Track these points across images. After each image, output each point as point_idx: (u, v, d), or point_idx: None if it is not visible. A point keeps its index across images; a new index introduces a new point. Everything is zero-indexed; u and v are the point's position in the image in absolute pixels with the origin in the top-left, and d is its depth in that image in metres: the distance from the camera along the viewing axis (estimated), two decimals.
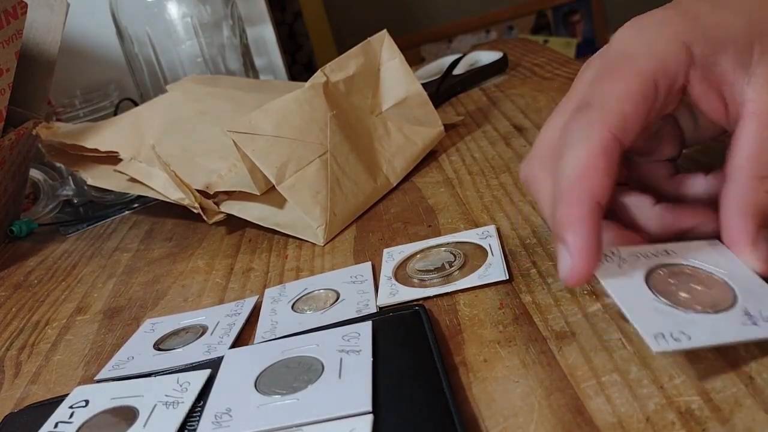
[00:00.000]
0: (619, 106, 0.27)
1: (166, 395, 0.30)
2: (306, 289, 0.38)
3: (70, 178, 0.68)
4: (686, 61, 0.27)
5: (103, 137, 0.59)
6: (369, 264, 0.40)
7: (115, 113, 0.82)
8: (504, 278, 0.34)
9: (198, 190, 0.51)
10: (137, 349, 0.37)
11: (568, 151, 0.27)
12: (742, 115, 0.27)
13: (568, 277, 0.26)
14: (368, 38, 0.54)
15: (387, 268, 0.38)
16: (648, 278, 0.26)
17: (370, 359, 0.28)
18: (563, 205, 0.26)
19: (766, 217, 0.26)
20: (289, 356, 0.30)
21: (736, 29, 0.27)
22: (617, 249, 0.28)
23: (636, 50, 0.28)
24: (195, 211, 0.50)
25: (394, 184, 0.51)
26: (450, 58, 0.83)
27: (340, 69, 0.51)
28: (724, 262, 0.27)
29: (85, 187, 0.66)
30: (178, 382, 0.31)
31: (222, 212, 0.50)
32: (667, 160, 0.32)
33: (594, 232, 0.25)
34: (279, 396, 0.27)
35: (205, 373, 0.31)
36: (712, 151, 0.41)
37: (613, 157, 0.26)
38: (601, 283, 0.26)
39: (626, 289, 0.26)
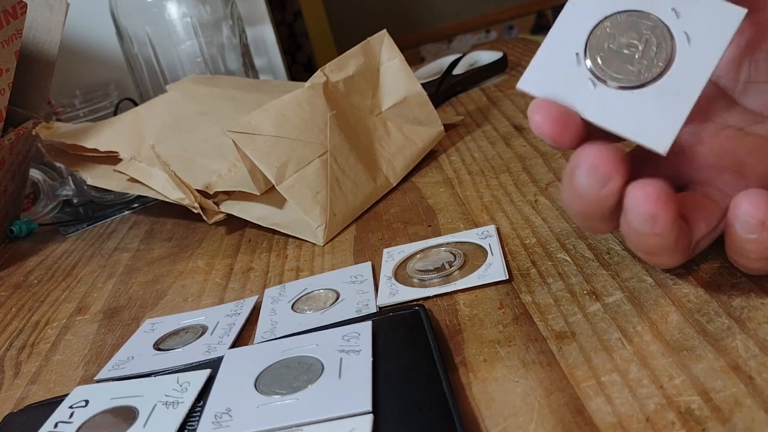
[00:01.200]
0: None
1: (166, 395, 0.30)
2: (306, 289, 0.38)
3: (70, 178, 0.68)
4: None
5: (102, 137, 0.59)
6: (369, 264, 0.40)
7: (115, 113, 0.82)
8: (504, 278, 0.34)
9: (198, 190, 0.51)
10: (137, 349, 0.37)
11: None
12: None
13: None
14: (368, 38, 0.54)
15: (387, 268, 0.38)
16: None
17: (370, 359, 0.28)
18: None
19: None
20: (289, 356, 0.30)
21: None
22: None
23: None
24: (195, 211, 0.50)
25: (394, 184, 0.51)
26: (450, 58, 0.83)
27: (339, 69, 0.51)
28: None
29: (85, 187, 0.66)
30: (178, 382, 0.31)
31: (222, 212, 0.50)
32: None
33: None
34: (279, 396, 0.27)
35: (205, 373, 0.31)
36: None
37: None
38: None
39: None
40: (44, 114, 0.65)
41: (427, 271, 0.36)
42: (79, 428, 0.29)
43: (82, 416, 0.30)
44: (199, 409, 0.29)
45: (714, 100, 0.30)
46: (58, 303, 0.47)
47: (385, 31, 0.55)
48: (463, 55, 0.83)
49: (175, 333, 0.38)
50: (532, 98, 0.27)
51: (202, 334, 0.36)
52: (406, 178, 0.52)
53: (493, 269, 0.35)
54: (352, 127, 0.50)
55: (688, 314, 0.27)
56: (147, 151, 0.56)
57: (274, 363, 0.30)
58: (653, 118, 0.25)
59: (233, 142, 0.44)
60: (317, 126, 0.47)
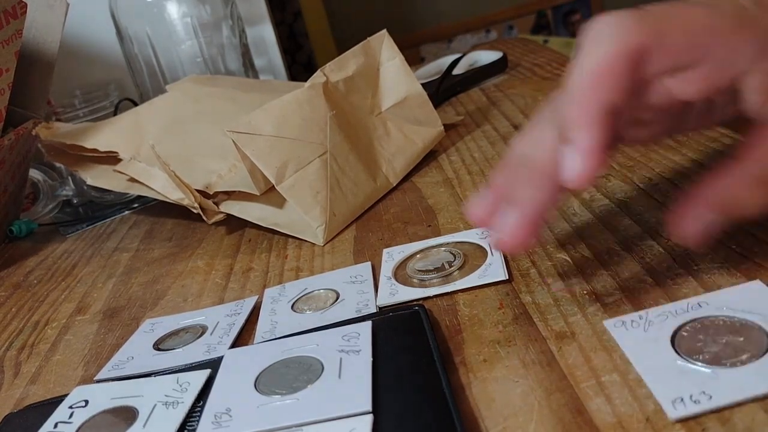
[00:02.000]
0: (661, 25, 0.25)
1: (166, 395, 0.30)
2: (306, 289, 0.38)
3: (69, 178, 0.68)
4: (752, 58, 0.25)
5: (102, 137, 0.59)
6: (369, 264, 0.40)
7: (115, 113, 0.82)
8: (504, 278, 0.34)
9: (198, 190, 0.51)
10: (137, 349, 0.37)
11: (591, 45, 0.25)
12: None
13: (574, 178, 0.25)
14: (368, 38, 0.54)
15: (387, 268, 0.38)
16: (675, 337, 0.25)
17: (370, 359, 0.28)
18: (574, 104, 0.25)
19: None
20: (289, 356, 0.30)
21: None
22: (646, 312, 0.27)
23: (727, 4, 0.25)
24: (195, 211, 0.50)
25: (394, 184, 0.51)
26: (450, 58, 0.83)
27: (339, 69, 0.51)
28: (762, 305, 0.26)
29: (85, 187, 0.66)
30: (177, 382, 0.31)
31: (222, 212, 0.50)
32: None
33: (600, 134, 0.25)
34: (279, 396, 0.27)
35: (205, 373, 0.31)
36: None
37: (636, 66, 0.25)
38: (622, 350, 0.26)
39: (648, 353, 0.25)
40: (44, 114, 0.65)
41: (427, 271, 0.36)
42: (79, 428, 0.29)
43: (82, 416, 0.30)
44: (199, 409, 0.29)
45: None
46: (58, 303, 0.47)
47: (385, 31, 0.55)
48: (463, 55, 0.83)
49: (174, 333, 0.38)
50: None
51: (202, 334, 0.36)
52: (406, 178, 0.52)
53: (493, 269, 0.35)
54: (352, 127, 0.50)
55: None
56: (147, 151, 0.56)
57: (274, 363, 0.30)
58: None
59: (233, 142, 0.44)
60: (317, 126, 0.47)
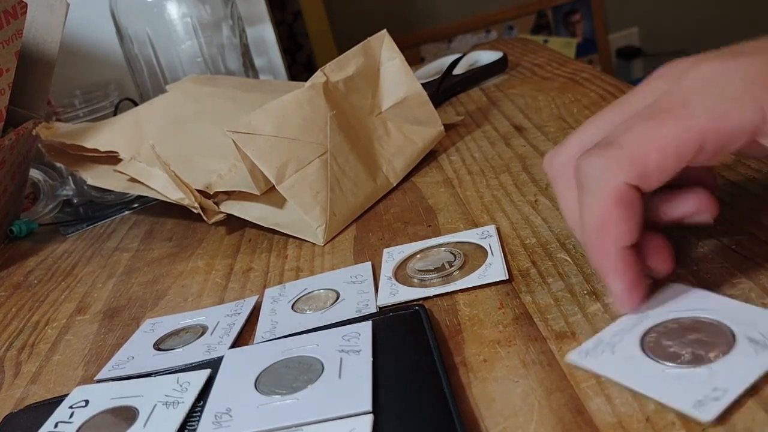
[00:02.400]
0: (644, 156, 0.26)
1: (166, 395, 0.30)
2: (306, 289, 0.38)
3: (70, 178, 0.68)
4: (756, 124, 0.25)
5: (102, 137, 0.59)
6: (369, 264, 0.40)
7: (115, 113, 0.82)
8: (504, 278, 0.34)
9: (198, 190, 0.51)
10: (137, 349, 0.37)
11: (586, 194, 0.27)
12: None
13: (622, 309, 0.28)
14: (368, 38, 0.54)
15: (387, 268, 0.38)
16: (645, 350, 0.25)
17: (370, 359, 0.28)
18: (593, 255, 0.27)
19: None
20: (289, 356, 0.30)
21: None
22: (598, 337, 0.27)
23: (700, 98, 0.25)
24: (195, 211, 0.50)
25: (394, 184, 0.51)
26: (450, 58, 0.83)
27: (339, 69, 0.51)
28: (703, 303, 0.27)
29: (85, 187, 0.66)
30: (178, 382, 0.31)
31: (222, 212, 0.50)
32: None
33: (628, 273, 0.27)
34: (279, 396, 0.27)
35: (205, 373, 0.31)
36: None
37: (631, 203, 0.26)
38: (607, 378, 0.25)
39: (635, 372, 0.25)
40: (44, 114, 0.65)
41: (427, 271, 0.36)
42: (79, 428, 0.29)
43: (82, 416, 0.30)
44: (199, 409, 0.29)
45: None
46: (58, 303, 0.47)
47: (385, 31, 0.55)
48: (463, 55, 0.83)
49: (175, 333, 0.38)
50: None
51: (202, 334, 0.36)
52: (406, 178, 0.52)
53: (493, 269, 0.35)
54: (352, 127, 0.50)
55: None
56: (147, 151, 0.56)
57: (274, 363, 0.30)
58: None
59: (233, 142, 0.44)
60: (317, 126, 0.47)
